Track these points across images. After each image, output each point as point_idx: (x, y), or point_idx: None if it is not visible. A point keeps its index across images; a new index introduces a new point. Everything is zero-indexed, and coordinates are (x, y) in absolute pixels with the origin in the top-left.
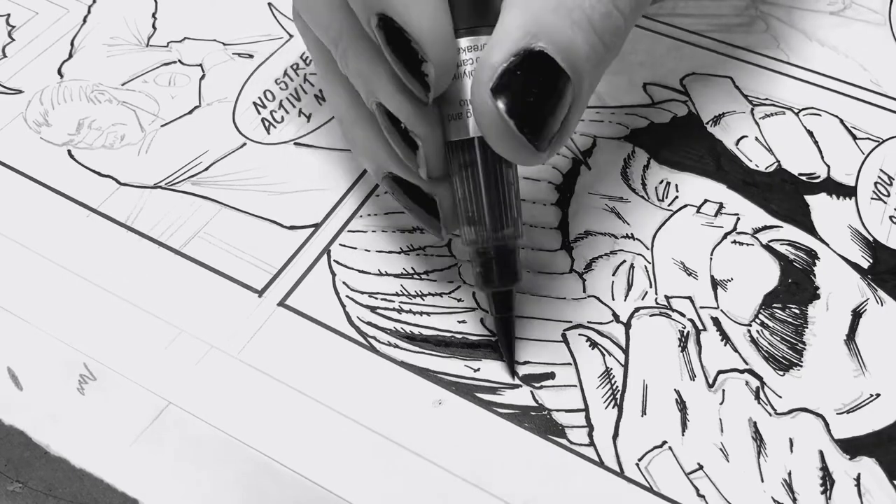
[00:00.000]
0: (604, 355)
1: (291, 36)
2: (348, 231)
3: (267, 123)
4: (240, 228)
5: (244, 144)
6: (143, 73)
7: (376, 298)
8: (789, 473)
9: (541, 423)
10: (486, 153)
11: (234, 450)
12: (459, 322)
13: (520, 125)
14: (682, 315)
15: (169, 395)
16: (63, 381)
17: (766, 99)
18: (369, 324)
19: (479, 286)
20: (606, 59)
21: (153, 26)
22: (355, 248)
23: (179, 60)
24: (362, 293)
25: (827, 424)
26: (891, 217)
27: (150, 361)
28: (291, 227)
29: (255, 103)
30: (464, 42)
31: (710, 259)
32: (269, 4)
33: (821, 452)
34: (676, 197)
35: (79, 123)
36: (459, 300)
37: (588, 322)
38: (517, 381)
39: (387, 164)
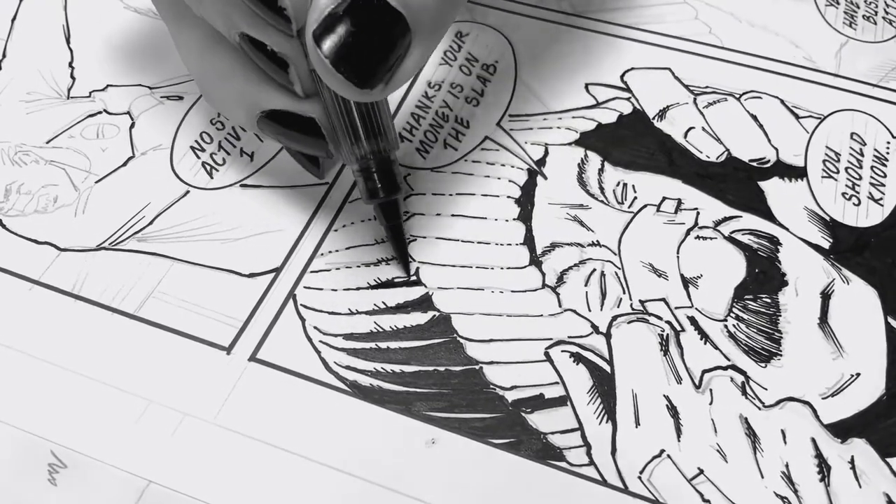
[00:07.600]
0: (589, 369)
1: None
2: (311, 272)
3: (208, 167)
4: (196, 283)
5: (187, 192)
6: (68, 128)
7: (352, 340)
8: (787, 465)
9: (538, 448)
10: None
11: None
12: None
13: (338, 67)
14: (659, 318)
15: (147, 473)
16: (31, 473)
17: (707, 87)
18: (348, 367)
19: (366, 200)
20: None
21: (72, 76)
22: (321, 290)
23: (105, 110)
24: (336, 336)
25: (815, 411)
26: (843, 194)
27: (122, 439)
28: (251, 275)
29: (192, 147)
30: None
31: (678, 257)
32: None
33: (813, 440)
34: (635, 198)
35: (6, 189)
36: (437, 330)
37: (568, 337)
38: (413, 278)
39: (258, 98)
